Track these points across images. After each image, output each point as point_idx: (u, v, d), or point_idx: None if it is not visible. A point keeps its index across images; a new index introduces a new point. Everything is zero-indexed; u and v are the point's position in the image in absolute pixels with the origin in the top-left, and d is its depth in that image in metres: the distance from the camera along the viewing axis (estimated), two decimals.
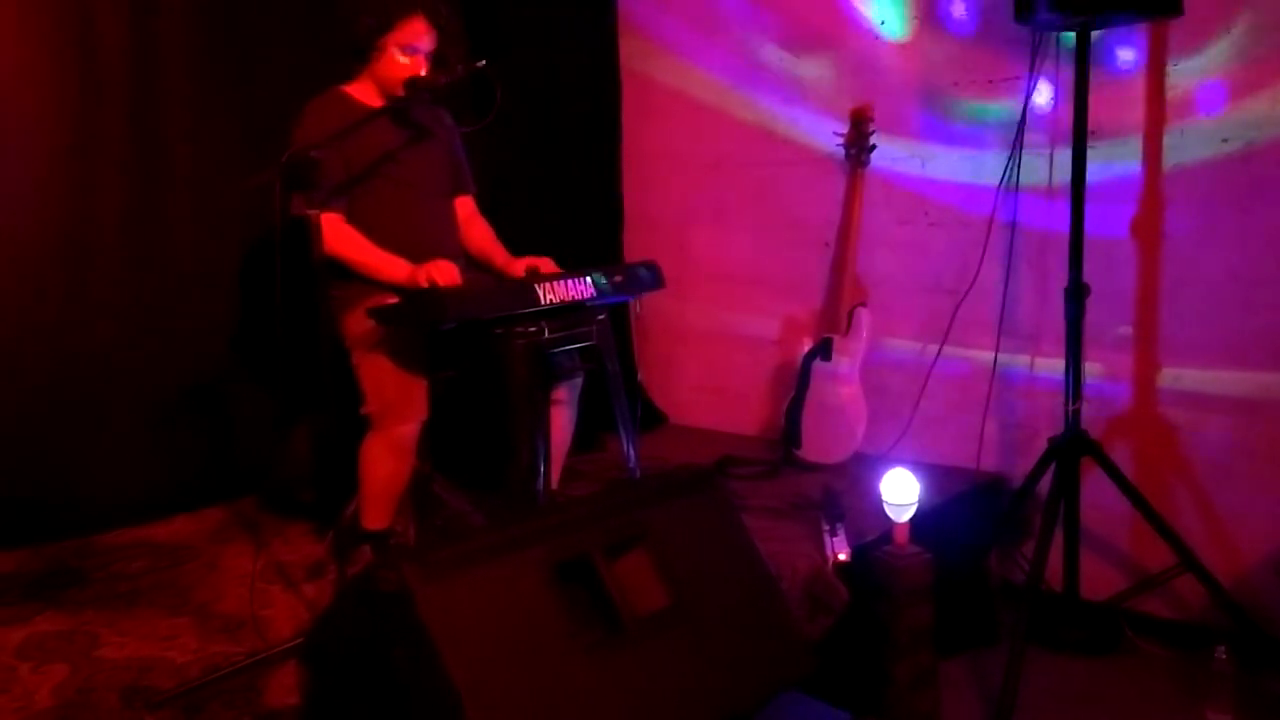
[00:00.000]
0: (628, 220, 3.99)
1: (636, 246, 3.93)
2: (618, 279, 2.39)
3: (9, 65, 2.74)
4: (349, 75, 2.58)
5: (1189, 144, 2.79)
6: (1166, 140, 2.81)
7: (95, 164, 2.91)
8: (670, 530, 1.62)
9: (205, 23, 3.09)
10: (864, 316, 3.26)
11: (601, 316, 2.37)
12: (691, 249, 3.82)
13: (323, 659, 1.55)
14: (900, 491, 2.35)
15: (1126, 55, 2.85)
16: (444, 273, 2.29)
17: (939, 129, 3.23)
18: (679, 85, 3.83)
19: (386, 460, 2.38)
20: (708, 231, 3.82)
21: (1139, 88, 2.85)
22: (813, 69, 3.49)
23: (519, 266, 2.56)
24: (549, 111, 3.75)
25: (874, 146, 3.25)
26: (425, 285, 2.26)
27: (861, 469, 3.14)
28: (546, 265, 2.53)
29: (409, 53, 2.45)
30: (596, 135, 3.92)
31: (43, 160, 2.82)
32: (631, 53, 3.93)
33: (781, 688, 1.66)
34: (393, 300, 2.23)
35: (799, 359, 3.36)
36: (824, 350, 3.30)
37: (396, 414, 2.35)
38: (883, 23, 3.32)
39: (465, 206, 2.75)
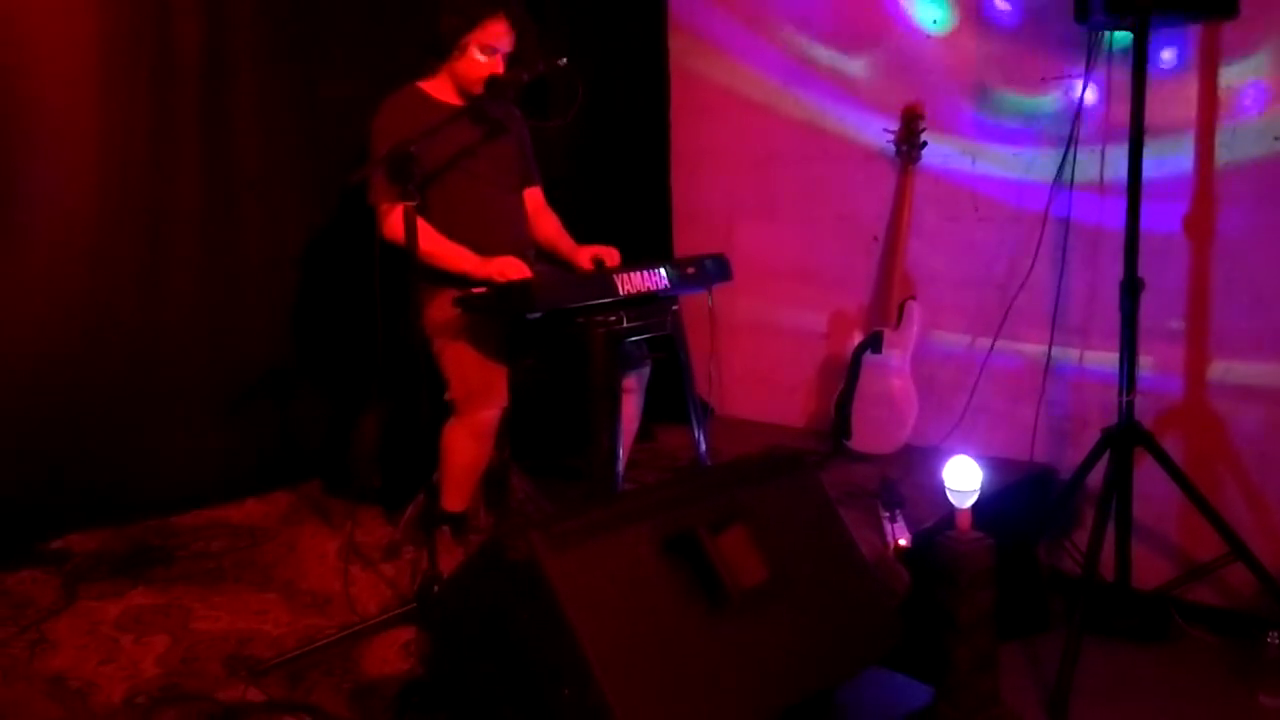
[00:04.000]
0: (677, 215, 4.07)
1: (686, 241, 4.01)
2: (689, 271, 2.47)
3: (89, 68, 2.83)
4: (414, 72, 2.66)
5: (1240, 142, 2.84)
6: (1218, 138, 2.87)
7: (169, 162, 3.02)
8: (767, 509, 1.70)
9: (272, 25, 3.19)
10: (915, 310, 3.33)
11: (675, 307, 2.45)
12: (740, 244, 3.89)
13: (447, 623, 1.64)
14: (963, 478, 2.41)
15: (1179, 55, 2.91)
16: (514, 271, 2.37)
17: (989, 126, 3.29)
18: (728, 82, 3.90)
19: (468, 445, 2.47)
20: (756, 226, 3.89)
21: (1191, 86, 2.90)
22: (862, 66, 3.56)
23: (584, 255, 2.64)
24: (599, 109, 3.82)
25: (925, 143, 3.32)
26: (500, 281, 2.34)
27: (913, 459, 3.21)
28: (612, 254, 2.61)
29: (488, 52, 2.53)
30: (646, 132, 4.00)
31: (119, 159, 2.92)
32: (681, 50, 4.00)
33: (873, 659, 1.75)
34: (478, 290, 2.31)
35: (848, 352, 3.44)
36: (874, 343, 3.37)
37: (479, 400, 2.44)
38: (934, 21, 3.38)
39: (534, 198, 2.83)
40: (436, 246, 2.43)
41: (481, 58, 2.53)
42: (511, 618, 1.46)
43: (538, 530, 1.45)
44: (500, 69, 2.54)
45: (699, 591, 1.56)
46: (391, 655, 2.10)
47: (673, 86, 4.01)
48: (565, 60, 2.42)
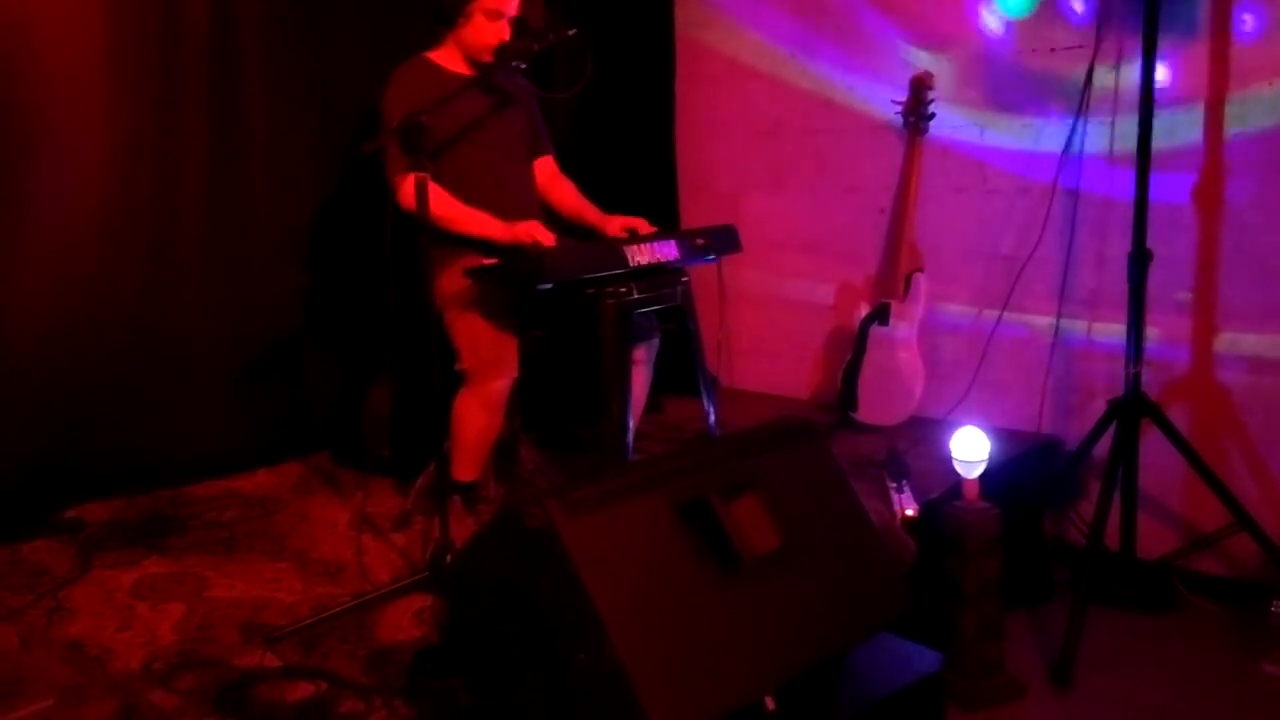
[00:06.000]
0: (682, 186, 4.06)
1: (691, 213, 4.00)
2: (699, 242, 2.47)
3: (98, 40, 2.82)
4: (423, 44, 2.65)
5: (1251, 112, 2.83)
6: (1228, 109, 2.86)
7: (177, 134, 3.01)
8: (779, 477, 1.72)
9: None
10: (922, 282, 3.33)
11: (685, 279, 2.45)
12: (746, 215, 3.87)
13: (462, 590, 1.66)
14: (971, 449, 2.44)
15: (1190, 25, 2.89)
16: (541, 233, 2.38)
17: (999, 97, 3.28)
18: (734, 52, 3.88)
19: (479, 415, 2.48)
20: (763, 198, 3.89)
21: (1202, 57, 2.89)
22: (871, 36, 3.54)
23: (615, 225, 2.62)
24: (606, 79, 3.79)
25: (933, 114, 3.30)
26: (528, 243, 2.34)
27: (919, 431, 3.23)
28: (643, 225, 2.60)
29: (493, 16, 2.52)
30: (652, 102, 3.99)
31: (128, 132, 2.91)
32: (687, 20, 3.98)
33: (883, 624, 1.77)
34: (488, 260, 2.31)
35: (854, 324, 3.44)
36: (881, 315, 3.37)
37: (490, 370, 2.45)
38: None
39: (546, 167, 2.82)
40: (458, 213, 2.43)
41: (487, 23, 2.52)
42: (528, 583, 1.48)
43: (554, 497, 1.46)
44: (507, 34, 2.53)
45: (712, 558, 1.58)
46: (405, 622, 2.12)
47: (679, 57, 4.00)
48: (574, 30, 2.41)
